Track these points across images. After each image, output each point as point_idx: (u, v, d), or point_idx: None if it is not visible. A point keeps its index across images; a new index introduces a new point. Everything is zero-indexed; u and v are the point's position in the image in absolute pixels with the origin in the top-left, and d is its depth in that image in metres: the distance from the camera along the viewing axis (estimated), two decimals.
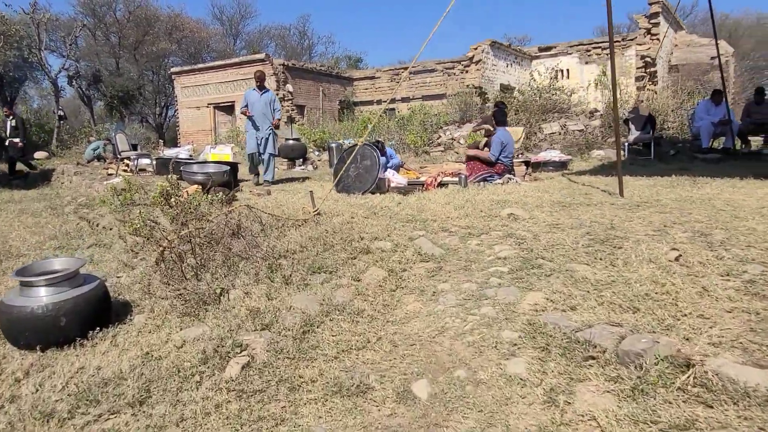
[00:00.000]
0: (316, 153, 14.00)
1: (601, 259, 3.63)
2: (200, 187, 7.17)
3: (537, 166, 9.05)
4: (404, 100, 22.40)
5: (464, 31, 71.64)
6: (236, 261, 4.28)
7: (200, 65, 21.57)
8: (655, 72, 14.40)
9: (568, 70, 18.93)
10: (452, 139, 14.33)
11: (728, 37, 17.95)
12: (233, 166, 9.61)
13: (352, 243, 4.37)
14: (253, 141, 8.48)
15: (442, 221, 4.96)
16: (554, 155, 9.81)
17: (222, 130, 21.14)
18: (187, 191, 7.16)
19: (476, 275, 3.67)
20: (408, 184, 7.62)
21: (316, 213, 5.12)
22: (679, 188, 6.38)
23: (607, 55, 18.75)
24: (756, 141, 10.91)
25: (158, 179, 10.70)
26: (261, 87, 8.52)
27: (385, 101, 22.89)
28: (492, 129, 7.73)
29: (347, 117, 20.62)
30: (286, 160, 12.50)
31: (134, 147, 14.32)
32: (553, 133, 12.86)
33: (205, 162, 8.89)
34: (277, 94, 19.04)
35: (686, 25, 18.20)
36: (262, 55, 20.08)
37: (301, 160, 12.75)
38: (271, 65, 19.78)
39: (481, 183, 7.45)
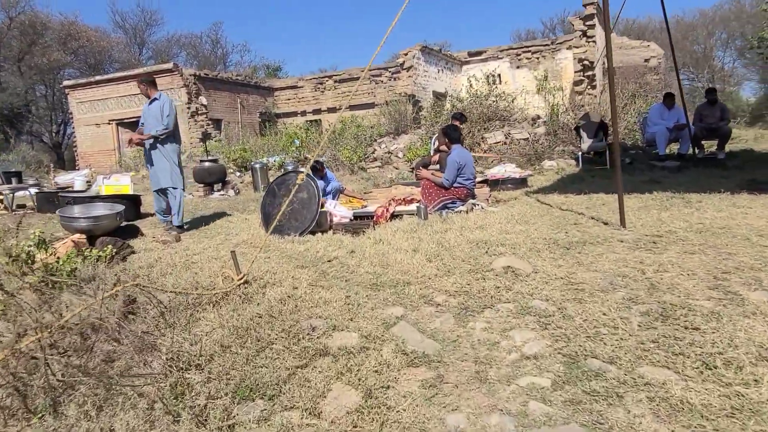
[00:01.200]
0: (237, 174, 12.30)
1: (683, 354, 2.43)
2: (85, 236, 5.44)
3: (495, 183, 7.97)
4: (330, 110, 21.02)
5: (378, 37, 71.23)
6: (118, 380, 2.74)
7: (98, 77, 19.11)
8: (594, 75, 13.96)
9: (500, 75, 18.34)
10: (389, 152, 13.11)
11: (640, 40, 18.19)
12: (134, 200, 7.84)
13: (299, 338, 2.94)
14: (154, 174, 6.45)
15: (419, 284, 3.63)
16: (509, 169, 8.79)
17: (127, 150, 18.78)
18: (66, 244, 5.41)
19: (502, 395, 2.37)
20: (354, 218, 6.26)
21: (241, 281, 3.64)
22: (676, 210, 5.45)
23: (537, 59, 18.35)
24: (709, 144, 10.48)
25: (39, 219, 8.69)
26: (148, 96, 6.39)
27: (309, 112, 21.41)
28: (444, 142, 6.58)
29: (269, 130, 18.94)
30: (202, 185, 10.74)
31: (16, 175, 11.99)
32: (497, 142, 11.95)
33: (93, 199, 7.08)
34: (189, 108, 17.09)
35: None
36: (169, 65, 18.00)
37: (220, 184, 11.03)
38: (181, 76, 17.76)
39: (442, 211, 6.22)
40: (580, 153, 10.04)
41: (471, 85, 13.88)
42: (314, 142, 12.97)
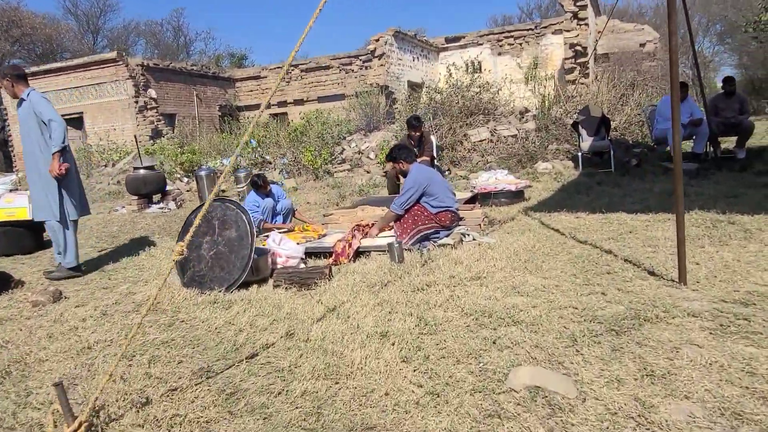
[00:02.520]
0: (185, 180, 10.59)
1: None
2: None
3: (486, 197, 6.49)
4: (297, 102, 19.31)
5: (353, 23, 69.26)
6: None
7: (34, 68, 17.03)
8: (587, 63, 12.57)
9: (480, 62, 16.85)
10: (359, 152, 11.54)
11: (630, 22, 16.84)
12: (34, 228, 6.18)
13: None
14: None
15: (390, 429, 2.12)
16: (501, 177, 7.32)
17: (73, 146, 16.79)
18: None
19: None
20: (306, 256, 4.72)
21: None
22: (737, 246, 4.04)
23: (521, 45, 16.89)
24: (727, 141, 9.17)
25: None
26: (15, 96, 4.71)
27: (274, 105, 19.66)
28: (398, 165, 5.07)
29: (231, 125, 17.16)
30: (136, 197, 9.04)
31: None
32: (482, 140, 10.47)
33: None
34: (136, 103, 15.25)
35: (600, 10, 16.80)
36: (112, 54, 16.05)
37: (159, 195, 9.35)
38: (126, 66, 15.85)
39: (422, 245, 4.72)
40: (579, 153, 8.62)
41: (450, 74, 12.35)
42: (273, 142, 11.30)
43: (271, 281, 4.16)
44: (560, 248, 4.41)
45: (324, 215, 5.86)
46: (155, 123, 16.19)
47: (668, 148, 8.57)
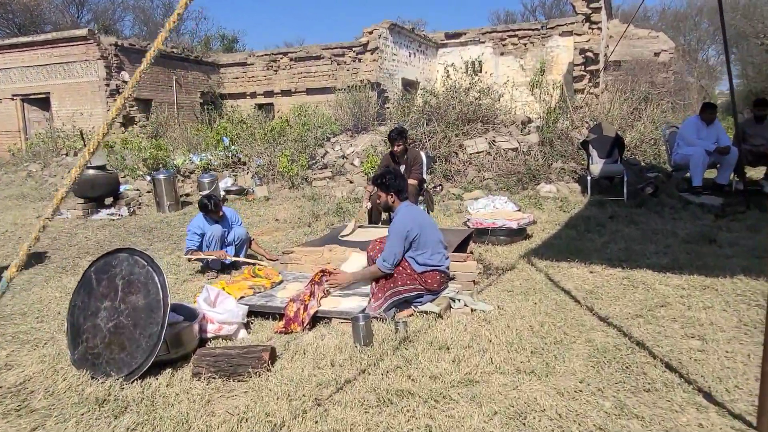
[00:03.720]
0: (148, 179, 9.42)
1: None
2: None
3: (482, 233, 5.46)
4: (285, 93, 18.12)
5: (350, 10, 67.60)
6: None
7: None
8: (598, 71, 11.53)
9: (481, 63, 15.76)
10: (343, 156, 10.46)
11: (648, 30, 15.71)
12: None
13: None
14: None
15: None
16: (500, 205, 6.29)
17: (37, 131, 15.58)
18: None
19: None
20: (249, 318, 3.68)
21: None
22: None
23: (525, 45, 15.81)
24: (755, 172, 8.20)
25: None
26: None
27: (260, 94, 18.50)
28: (386, 197, 3.93)
29: (213, 114, 15.97)
30: (82, 201, 7.92)
31: None
32: (479, 152, 9.43)
33: None
34: (107, 86, 14.07)
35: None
36: (83, 32, 14.77)
37: (111, 198, 8.23)
38: (98, 45, 14.60)
39: (398, 320, 3.70)
40: (589, 178, 7.61)
41: (448, 75, 11.27)
42: (248, 141, 10.16)
43: (191, 364, 3.10)
44: (576, 330, 3.39)
45: (283, 252, 4.80)
46: (128, 109, 14.97)
47: (687, 175, 7.60)
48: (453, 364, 2.98)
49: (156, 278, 3.01)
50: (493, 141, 9.57)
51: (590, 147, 7.84)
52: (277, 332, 3.57)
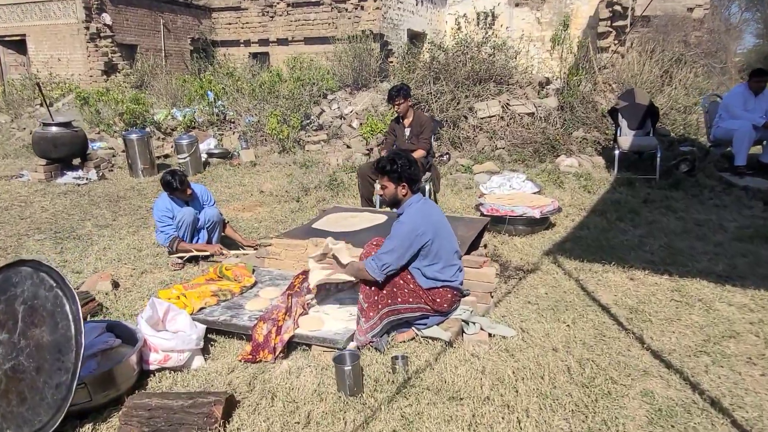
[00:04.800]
0: (122, 135, 8.43)
1: None
2: None
3: (497, 222, 4.63)
4: (281, 42, 16.86)
5: None
6: None
7: None
8: (625, 27, 10.38)
9: (495, 15, 14.48)
10: (341, 117, 9.51)
11: None
12: None
13: None
14: None
15: None
16: (517, 185, 5.44)
17: (13, 76, 14.48)
18: None
19: None
20: (210, 335, 2.90)
21: None
22: None
23: None
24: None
25: None
26: None
27: (255, 43, 17.24)
28: (396, 188, 3.03)
29: (203, 63, 14.80)
30: (44, 162, 7.05)
31: None
32: (491, 117, 8.48)
33: None
34: (87, 30, 12.93)
35: None
36: None
37: (78, 160, 7.35)
38: None
39: (395, 335, 2.94)
40: (616, 151, 6.71)
41: (459, 28, 10.16)
42: (233, 99, 9.11)
43: (122, 414, 2.34)
44: (626, 374, 2.62)
45: (260, 244, 3.98)
46: (109, 55, 13.82)
47: (729, 150, 6.72)
48: (468, 429, 2.21)
49: (67, 307, 2.20)
50: (507, 104, 8.60)
51: (620, 116, 6.91)
52: (242, 360, 2.80)
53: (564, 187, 6.22)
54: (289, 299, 3.03)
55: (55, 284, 2.24)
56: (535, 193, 5.38)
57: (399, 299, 2.87)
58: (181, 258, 4.18)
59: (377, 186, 5.27)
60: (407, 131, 5.31)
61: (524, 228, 4.66)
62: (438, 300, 2.87)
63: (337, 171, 7.08)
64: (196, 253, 4.18)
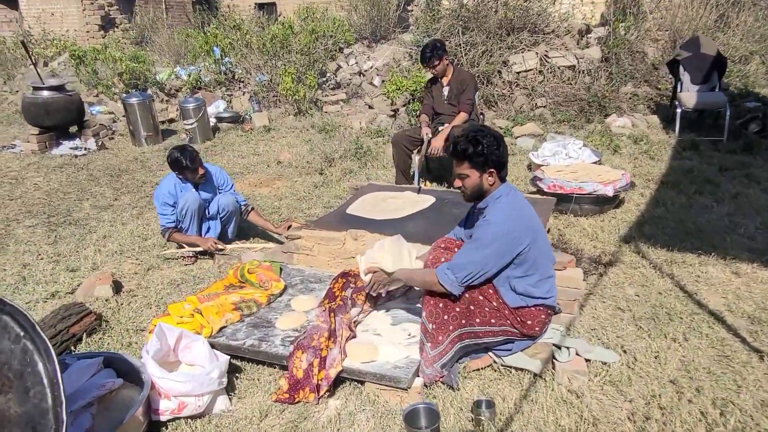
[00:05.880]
0: (121, 99, 7.65)
1: None
2: None
3: (562, 200, 3.94)
4: None
5: None
6: None
7: None
8: None
9: None
10: (360, 73, 8.67)
11: None
12: None
13: None
14: None
15: None
16: (574, 151, 4.71)
17: (5, 34, 13.59)
18: None
19: None
20: (235, 359, 2.29)
21: None
22: None
23: None
24: None
25: None
26: None
27: None
28: (481, 177, 2.24)
29: (206, 16, 13.81)
30: (37, 132, 6.37)
31: None
32: (527, 71, 7.63)
33: None
34: None
35: None
36: None
37: (75, 127, 6.66)
38: None
39: (468, 362, 2.32)
40: (679, 110, 5.91)
41: None
42: (240, 55, 8.25)
43: None
44: None
45: (288, 237, 3.32)
46: (106, 8, 12.89)
47: None
48: None
49: (40, 366, 1.58)
50: (546, 56, 7.72)
51: (681, 68, 6.07)
52: (277, 401, 2.21)
53: (621, 152, 5.48)
54: (332, 317, 2.41)
55: (22, 332, 1.61)
56: (595, 162, 4.66)
57: (477, 319, 2.24)
58: (192, 251, 3.56)
59: (415, 158, 4.59)
60: (445, 91, 4.58)
61: (591, 207, 3.98)
62: (529, 322, 2.23)
63: (362, 136, 6.36)
64: (190, 249, 3.55)
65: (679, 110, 5.90)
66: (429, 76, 7.25)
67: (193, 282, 3.29)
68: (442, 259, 2.30)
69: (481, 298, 2.23)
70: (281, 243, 3.57)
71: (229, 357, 2.29)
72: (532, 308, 2.22)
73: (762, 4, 8.38)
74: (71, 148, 6.32)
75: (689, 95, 5.93)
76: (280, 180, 5.16)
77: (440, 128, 4.48)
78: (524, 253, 2.14)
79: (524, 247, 2.13)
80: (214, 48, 8.46)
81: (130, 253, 3.72)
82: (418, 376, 2.22)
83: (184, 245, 3.58)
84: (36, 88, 6.26)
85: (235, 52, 8.69)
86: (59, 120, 6.36)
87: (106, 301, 3.06)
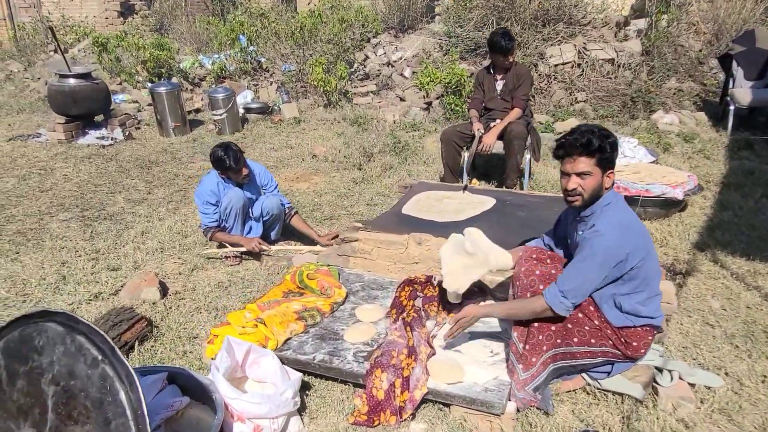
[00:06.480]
0: (149, 88, 7.47)
1: None
2: None
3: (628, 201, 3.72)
4: None
5: None
6: None
7: None
8: None
9: None
10: (388, 64, 8.43)
11: None
12: None
13: None
14: None
15: None
16: (630, 151, 4.48)
17: (24, 19, 13.41)
18: None
19: None
20: (309, 376, 2.10)
21: None
22: None
23: None
24: None
25: None
26: None
27: None
28: (602, 177, 2.00)
29: (224, 3, 13.55)
30: (63, 120, 6.19)
31: None
32: (564, 63, 7.37)
33: None
34: None
35: None
36: None
37: (101, 116, 6.49)
38: None
39: (559, 384, 2.11)
40: (732, 107, 5.64)
41: None
42: (273, 38, 8.04)
43: None
44: None
45: (343, 239, 3.12)
46: None
47: None
48: None
49: (121, 395, 1.39)
50: (584, 48, 7.45)
51: (735, 63, 5.80)
52: (354, 423, 2.02)
53: (672, 151, 5.23)
54: (409, 332, 2.21)
55: (100, 356, 1.42)
56: (652, 162, 4.42)
57: (575, 339, 2.03)
58: (235, 251, 3.37)
59: (465, 154, 4.37)
60: (499, 85, 4.37)
61: (656, 210, 3.75)
62: (635, 344, 2.02)
63: (396, 130, 6.14)
64: (232, 249, 3.35)
65: (732, 107, 5.63)
66: (462, 67, 7.06)
67: (242, 284, 3.10)
68: (537, 272, 2.09)
69: (580, 315, 2.03)
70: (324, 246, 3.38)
71: (301, 374, 2.10)
72: (639, 328, 2.01)
73: None
74: (98, 138, 6.14)
75: (743, 92, 5.66)
76: (317, 175, 4.96)
77: (492, 124, 4.27)
78: (636, 269, 1.93)
79: (638, 262, 1.92)
80: (240, 36, 8.24)
81: (171, 251, 3.54)
82: (510, 400, 2.02)
83: (227, 245, 3.40)
84: (62, 76, 6.07)
85: (262, 40, 8.46)
86: (86, 109, 6.18)
87: (154, 304, 2.88)
